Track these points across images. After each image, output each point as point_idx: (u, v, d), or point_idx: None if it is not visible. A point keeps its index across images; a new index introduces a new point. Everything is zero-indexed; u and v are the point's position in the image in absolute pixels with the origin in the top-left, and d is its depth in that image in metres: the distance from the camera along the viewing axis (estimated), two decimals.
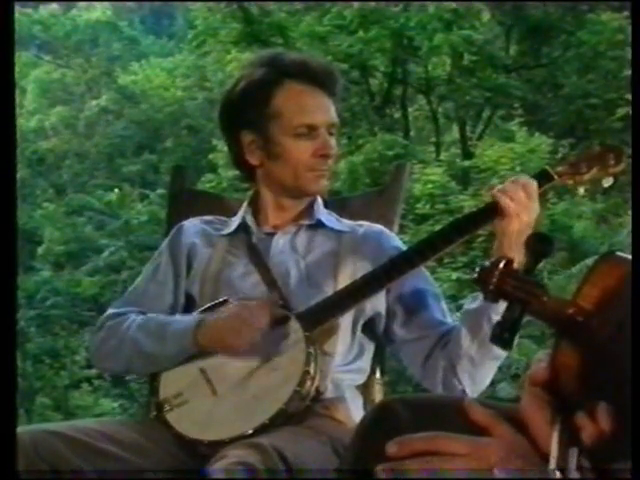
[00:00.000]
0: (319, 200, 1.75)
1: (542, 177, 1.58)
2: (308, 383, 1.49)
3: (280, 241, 1.70)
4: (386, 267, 1.56)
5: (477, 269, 0.87)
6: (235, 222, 1.74)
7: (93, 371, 5.79)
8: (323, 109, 1.66)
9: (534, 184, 1.54)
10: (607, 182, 1.60)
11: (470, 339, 1.52)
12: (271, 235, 1.71)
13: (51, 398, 5.72)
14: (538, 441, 0.83)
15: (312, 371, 1.49)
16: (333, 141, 1.67)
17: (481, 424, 0.86)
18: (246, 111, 1.66)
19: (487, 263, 0.88)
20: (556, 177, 1.58)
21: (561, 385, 0.82)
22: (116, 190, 10.62)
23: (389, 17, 9.55)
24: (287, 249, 1.69)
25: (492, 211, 1.53)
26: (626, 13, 8.51)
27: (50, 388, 5.89)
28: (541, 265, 0.90)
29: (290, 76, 1.66)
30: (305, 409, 1.50)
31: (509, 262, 0.87)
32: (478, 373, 1.55)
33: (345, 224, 1.74)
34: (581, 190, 1.62)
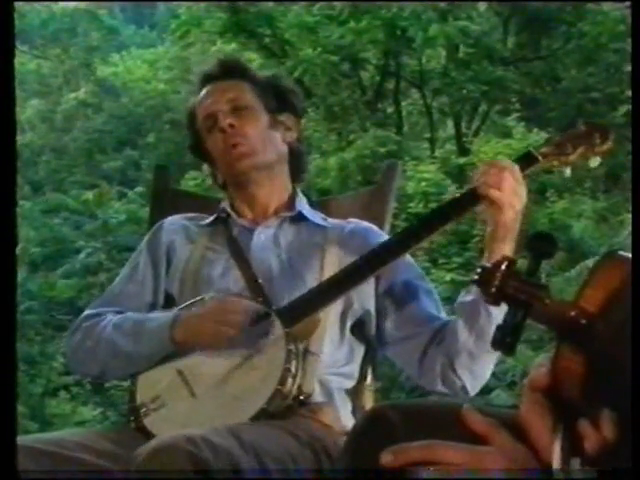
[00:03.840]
0: (299, 193, 1.76)
1: (526, 159, 1.56)
2: (289, 381, 1.47)
3: (262, 235, 1.69)
4: (367, 257, 1.55)
5: (478, 270, 0.86)
6: (215, 214, 1.75)
7: (71, 378, 5.65)
8: (217, 94, 1.69)
9: (517, 168, 1.51)
10: (594, 162, 1.57)
11: (468, 332, 1.50)
12: (252, 229, 1.70)
13: (27, 406, 5.54)
14: (539, 450, 0.82)
15: (293, 369, 1.48)
16: (239, 120, 1.67)
17: (479, 432, 0.85)
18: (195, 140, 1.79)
19: (488, 264, 0.86)
20: (540, 158, 1.56)
21: (563, 391, 0.81)
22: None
23: (381, 7, 9.45)
24: (269, 244, 1.68)
25: (475, 196, 1.51)
26: (627, 3, 8.40)
27: (26, 396, 5.71)
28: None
29: (205, 83, 1.75)
30: (287, 408, 1.49)
31: (511, 263, 0.85)
32: (477, 367, 1.53)
33: (331, 222, 1.74)
34: (567, 171, 1.59)
